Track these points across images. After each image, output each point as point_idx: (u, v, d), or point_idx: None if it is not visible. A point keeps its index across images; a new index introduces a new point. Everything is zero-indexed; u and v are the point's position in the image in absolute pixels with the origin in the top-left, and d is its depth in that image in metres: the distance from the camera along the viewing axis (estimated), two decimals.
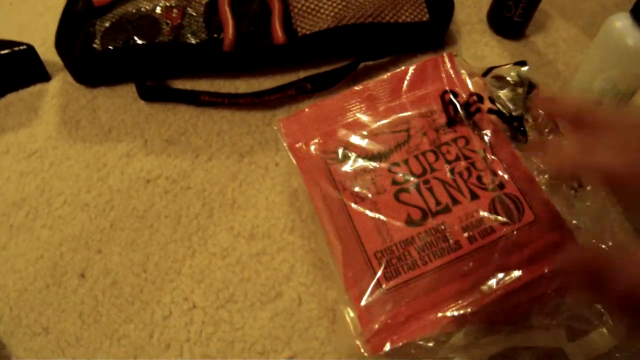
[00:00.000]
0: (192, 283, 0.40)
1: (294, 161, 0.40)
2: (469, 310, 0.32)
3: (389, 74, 0.43)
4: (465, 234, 0.35)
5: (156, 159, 0.46)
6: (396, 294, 0.33)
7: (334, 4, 0.49)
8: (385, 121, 0.41)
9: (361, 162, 0.39)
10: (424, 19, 0.49)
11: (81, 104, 0.50)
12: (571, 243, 0.34)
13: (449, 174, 0.37)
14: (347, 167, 0.39)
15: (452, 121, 0.40)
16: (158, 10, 0.51)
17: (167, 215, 0.43)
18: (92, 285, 0.40)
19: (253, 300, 0.39)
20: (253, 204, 0.43)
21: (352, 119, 0.41)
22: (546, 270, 0.33)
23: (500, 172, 0.37)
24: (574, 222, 0.35)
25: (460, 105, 0.40)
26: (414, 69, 0.43)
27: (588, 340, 0.33)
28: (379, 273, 0.34)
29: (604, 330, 0.32)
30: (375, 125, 0.41)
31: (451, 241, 0.35)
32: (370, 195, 0.37)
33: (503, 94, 0.41)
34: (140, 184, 0.45)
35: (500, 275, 0.33)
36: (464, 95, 0.41)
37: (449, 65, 0.43)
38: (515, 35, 0.55)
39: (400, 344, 0.32)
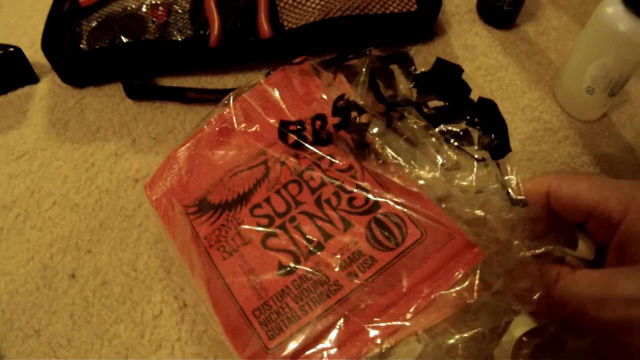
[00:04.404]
0: (181, 281, 0.40)
1: (163, 226, 0.36)
2: (363, 353, 0.29)
3: (244, 95, 0.38)
4: (344, 271, 0.31)
5: (144, 158, 0.46)
6: (284, 350, 0.30)
7: None
8: (241, 157, 0.37)
9: (223, 211, 0.35)
10: (412, 9, 0.49)
11: (69, 105, 0.50)
12: (470, 249, 0.30)
13: (315, 205, 0.33)
14: (210, 220, 0.35)
15: (323, 141, 0.35)
16: (144, 8, 0.50)
17: (156, 214, 0.43)
18: (82, 285, 0.40)
19: None
20: None
21: (206, 163, 0.37)
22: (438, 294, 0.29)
23: (374, 189, 0.33)
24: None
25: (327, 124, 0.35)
26: (264, 85, 0.38)
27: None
28: (262, 333, 0.31)
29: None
30: (231, 165, 0.37)
31: (330, 282, 0.31)
32: (237, 248, 0.34)
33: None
34: (128, 183, 0.45)
35: (392, 310, 0.30)
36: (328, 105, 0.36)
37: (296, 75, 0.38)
38: (506, 25, 0.55)
39: None
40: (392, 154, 0.32)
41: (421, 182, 0.32)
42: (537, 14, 0.56)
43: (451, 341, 0.28)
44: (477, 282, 0.29)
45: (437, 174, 0.32)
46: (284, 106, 0.37)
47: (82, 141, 0.48)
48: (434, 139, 0.32)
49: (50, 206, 0.44)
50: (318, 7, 0.48)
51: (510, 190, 0.31)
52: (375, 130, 0.33)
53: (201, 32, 0.48)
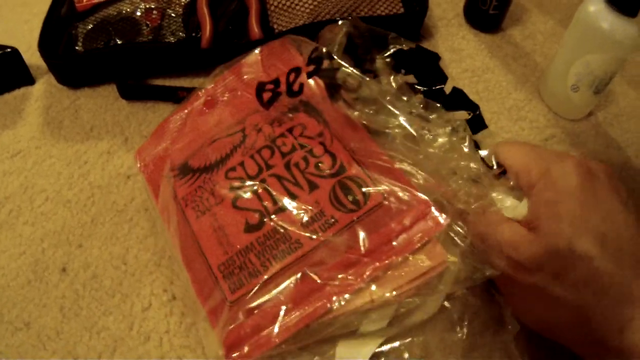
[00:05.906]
0: (171, 275, 0.40)
1: (150, 190, 0.39)
2: (318, 313, 0.30)
3: (226, 71, 0.41)
4: (306, 230, 0.33)
5: None
6: (244, 304, 0.31)
7: (310, 0, 0.49)
8: (221, 126, 0.39)
9: (200, 174, 0.38)
10: (399, 11, 0.50)
11: (64, 105, 0.51)
12: (432, 215, 0.31)
13: (284, 168, 0.35)
14: (189, 182, 0.38)
15: (294, 92, 0.37)
16: (138, 12, 0.52)
17: (147, 209, 0.43)
18: (72, 279, 0.40)
19: None
20: None
21: (191, 132, 0.40)
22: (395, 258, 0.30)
23: (341, 154, 0.35)
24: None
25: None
26: (243, 63, 0.41)
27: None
28: (225, 287, 0.32)
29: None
30: (212, 133, 0.39)
31: (291, 240, 0.33)
32: (210, 207, 0.36)
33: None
34: (120, 180, 0.45)
35: (351, 270, 0.31)
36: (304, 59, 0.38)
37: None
38: (492, 28, 0.56)
39: (260, 354, 0.30)
40: (362, 108, 0.34)
41: (387, 130, 0.33)
42: (523, 18, 0.57)
43: (413, 306, 0.29)
44: (439, 247, 0.30)
45: (403, 122, 0.33)
46: (262, 71, 0.40)
47: (76, 140, 0.49)
48: (405, 98, 0.33)
49: (43, 202, 0.45)
50: (307, 11, 0.49)
51: (485, 159, 0.32)
52: (348, 71, 0.34)
53: (193, 34, 0.50)
